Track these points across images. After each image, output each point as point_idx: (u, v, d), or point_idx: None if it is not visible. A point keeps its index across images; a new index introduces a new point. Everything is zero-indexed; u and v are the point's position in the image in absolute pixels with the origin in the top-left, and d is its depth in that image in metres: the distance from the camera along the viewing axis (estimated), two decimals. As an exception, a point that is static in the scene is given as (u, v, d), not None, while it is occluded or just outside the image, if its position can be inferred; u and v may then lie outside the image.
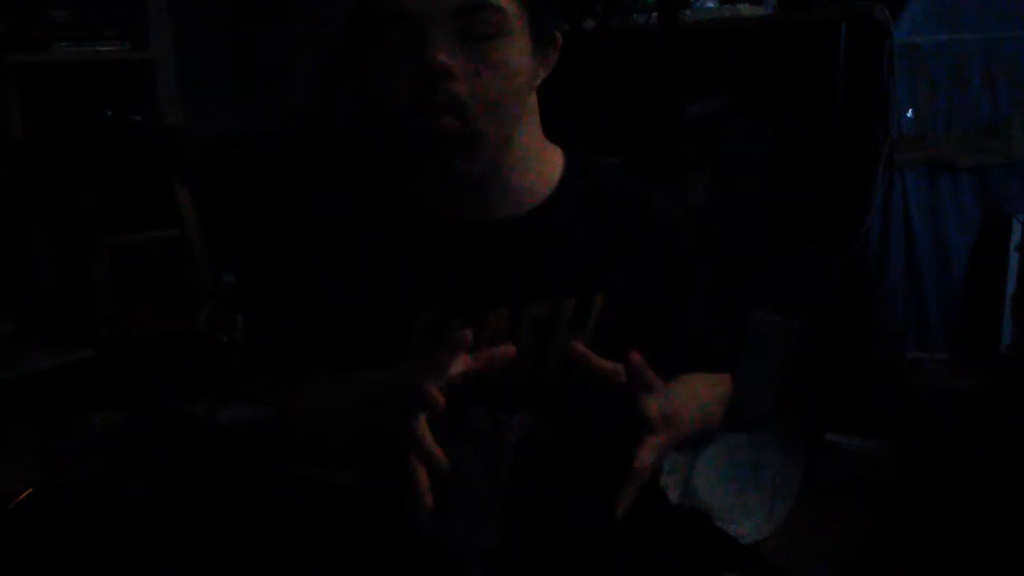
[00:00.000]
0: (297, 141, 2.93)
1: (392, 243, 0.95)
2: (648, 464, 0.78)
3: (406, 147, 0.89)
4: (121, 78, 2.71)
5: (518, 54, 0.85)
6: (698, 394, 0.95)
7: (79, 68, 2.59)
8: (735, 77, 2.28)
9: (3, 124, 2.42)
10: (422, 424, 0.74)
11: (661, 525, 1.00)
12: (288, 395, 1.02)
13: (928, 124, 1.98)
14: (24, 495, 2.00)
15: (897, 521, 1.79)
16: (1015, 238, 1.97)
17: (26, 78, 2.44)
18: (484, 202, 0.93)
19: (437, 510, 0.78)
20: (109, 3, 2.65)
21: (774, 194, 2.23)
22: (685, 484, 1.99)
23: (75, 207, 2.51)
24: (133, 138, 2.54)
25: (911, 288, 2.02)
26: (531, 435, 0.87)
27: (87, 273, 2.53)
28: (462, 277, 0.93)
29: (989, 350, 1.99)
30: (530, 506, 0.89)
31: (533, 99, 0.93)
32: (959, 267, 2.03)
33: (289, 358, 1.03)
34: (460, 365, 0.76)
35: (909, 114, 1.95)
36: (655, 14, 2.26)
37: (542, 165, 0.96)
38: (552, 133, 0.98)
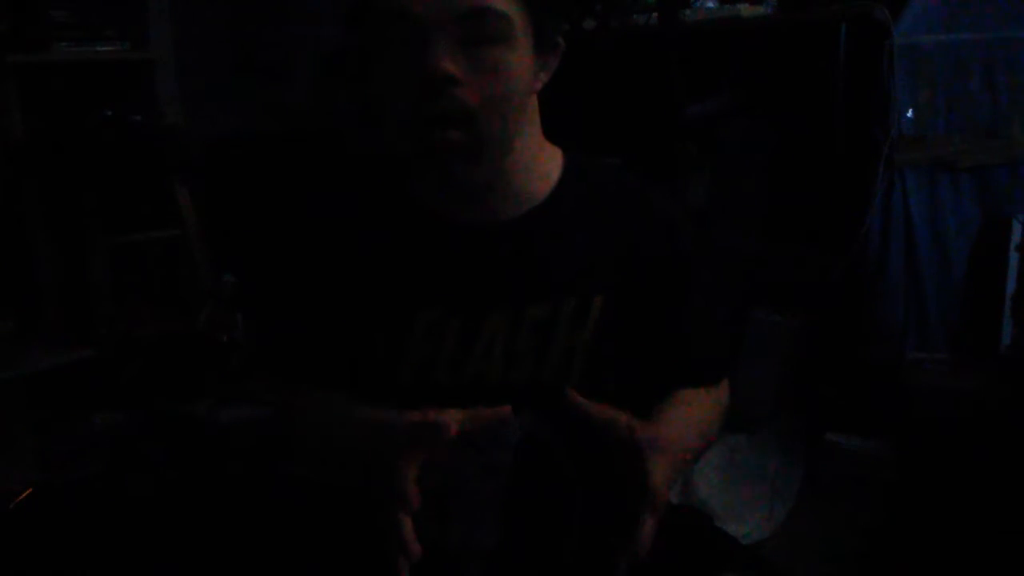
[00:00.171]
0: (297, 141, 2.93)
1: (392, 244, 0.95)
2: (649, 539, 0.79)
3: (408, 152, 0.89)
4: (121, 78, 2.71)
5: (520, 60, 0.85)
6: (697, 420, 0.95)
7: (79, 68, 2.59)
8: (735, 77, 2.28)
9: (3, 124, 2.42)
10: (403, 522, 0.76)
11: (661, 525, 1.00)
12: (287, 404, 1.03)
13: (928, 124, 1.98)
14: (24, 495, 2.00)
15: (897, 521, 1.79)
16: (1015, 238, 1.97)
17: (26, 78, 2.44)
18: (484, 204, 0.93)
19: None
20: (109, 3, 2.65)
21: (774, 194, 2.23)
22: (685, 484, 1.99)
23: (75, 207, 2.51)
24: (133, 138, 2.54)
25: (911, 288, 2.02)
26: (530, 436, 0.87)
27: (87, 273, 2.53)
28: (462, 278, 0.93)
29: (989, 350, 1.99)
30: (530, 506, 0.89)
31: (534, 102, 0.93)
32: (959, 267, 2.03)
33: (289, 359, 1.03)
34: (445, 438, 0.77)
35: (909, 114, 1.95)
36: (655, 14, 2.26)
37: (542, 167, 0.96)
38: (552, 134, 0.98)
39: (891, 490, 1.87)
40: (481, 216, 0.94)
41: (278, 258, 1.05)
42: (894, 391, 1.94)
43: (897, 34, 1.90)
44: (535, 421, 0.88)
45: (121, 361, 2.53)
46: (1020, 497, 1.64)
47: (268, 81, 3.10)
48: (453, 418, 0.78)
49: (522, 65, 0.86)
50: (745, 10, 2.17)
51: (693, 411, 0.95)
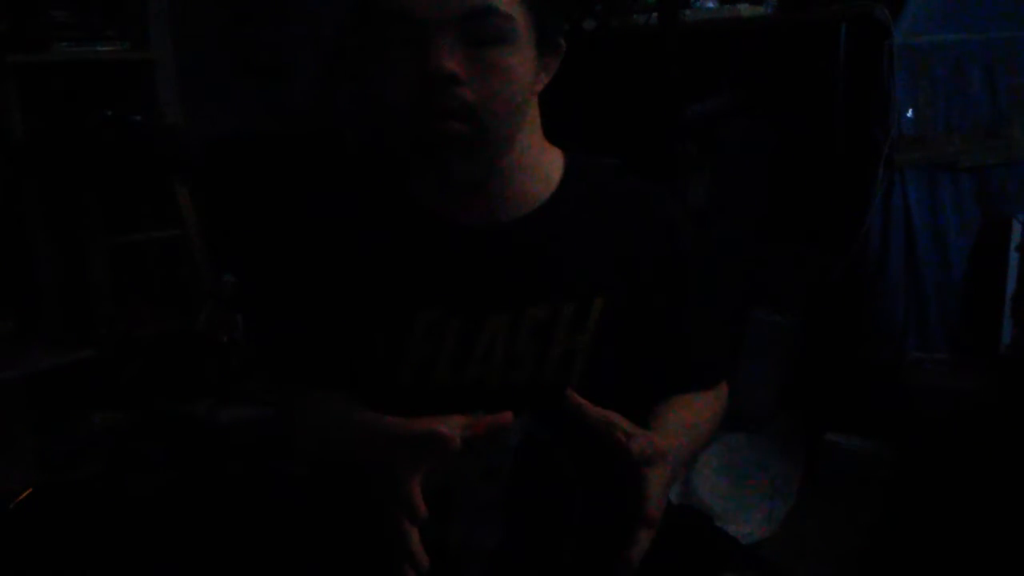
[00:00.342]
0: (297, 141, 2.93)
1: (392, 244, 0.95)
2: (642, 553, 0.79)
3: (408, 149, 0.89)
4: (121, 78, 2.71)
5: (522, 60, 0.85)
6: (694, 425, 0.95)
7: (79, 68, 2.59)
8: (735, 77, 2.28)
9: (3, 124, 2.41)
10: (410, 532, 0.77)
11: (661, 525, 0.99)
12: (287, 404, 1.03)
13: (928, 124, 1.98)
14: (24, 495, 2.00)
15: (897, 521, 1.79)
16: (1015, 238, 1.97)
17: (26, 78, 2.44)
18: (484, 205, 0.93)
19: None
20: (109, 3, 2.65)
21: (774, 194, 2.23)
22: (685, 484, 1.99)
23: (75, 207, 2.50)
24: (133, 138, 2.54)
25: (911, 288, 2.02)
26: (531, 437, 0.87)
27: (87, 273, 2.53)
28: (462, 279, 0.93)
29: (989, 350, 1.99)
30: (530, 507, 0.89)
31: (534, 103, 0.93)
32: (959, 267, 2.03)
33: (289, 359, 1.03)
34: (449, 451, 0.78)
35: (909, 114, 1.96)
36: (655, 14, 2.26)
37: (542, 168, 0.96)
38: (552, 134, 0.98)
39: (891, 490, 1.87)
40: (481, 217, 0.94)
41: (278, 258, 1.05)
42: (894, 391, 1.94)
43: (897, 34, 1.91)
44: (535, 423, 0.87)
45: (121, 361, 2.53)
46: (1020, 497, 1.64)
47: (268, 81, 3.10)
48: (455, 426, 0.78)
49: (523, 66, 0.86)
50: (745, 10, 2.17)
51: (691, 416, 0.95)
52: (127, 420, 2.43)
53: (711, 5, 2.24)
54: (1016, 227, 1.97)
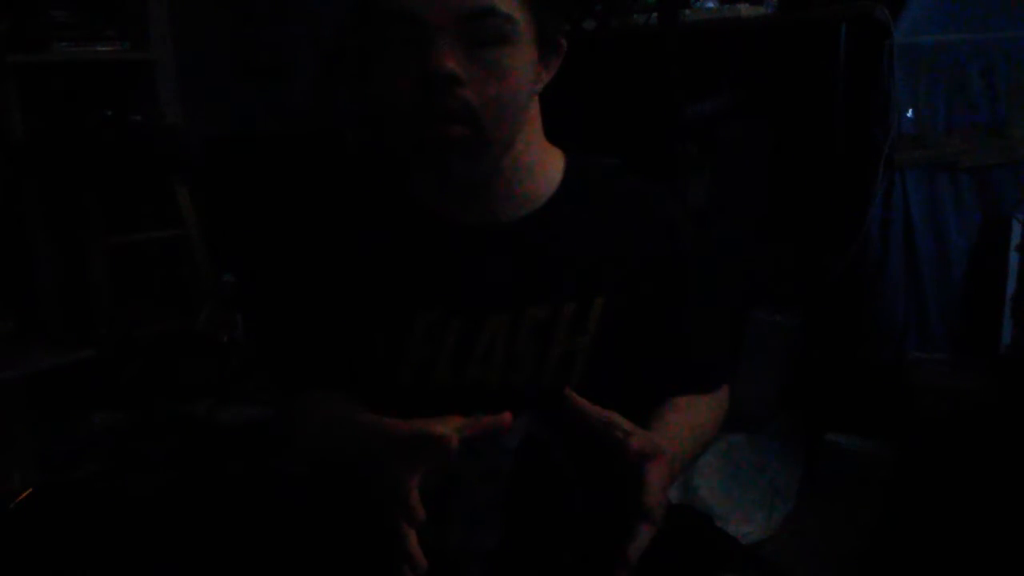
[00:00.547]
0: (297, 141, 2.93)
1: (392, 244, 0.95)
2: (641, 550, 0.79)
3: (408, 150, 0.89)
4: (121, 78, 2.71)
5: (523, 61, 0.85)
6: (693, 427, 0.95)
7: (79, 68, 2.59)
8: (735, 77, 2.28)
9: (3, 124, 2.41)
10: (408, 533, 0.77)
11: (661, 525, 0.99)
12: (287, 404, 1.03)
13: (928, 124, 1.98)
14: (24, 495, 2.00)
15: (897, 521, 1.79)
16: (1015, 238, 1.97)
17: (26, 78, 2.44)
18: (485, 205, 0.93)
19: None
20: (109, 3, 2.65)
21: (774, 194, 2.23)
22: (685, 484, 1.99)
23: (75, 207, 2.50)
24: (133, 138, 2.54)
25: (911, 288, 2.02)
26: (531, 438, 0.87)
27: (87, 273, 2.52)
28: (462, 279, 0.93)
29: (989, 350, 1.99)
30: (530, 508, 0.89)
31: (535, 103, 0.93)
32: (959, 267, 2.03)
33: (289, 359, 1.03)
34: (448, 452, 0.78)
35: (909, 114, 1.96)
36: (655, 14, 2.26)
37: (543, 168, 0.96)
38: (552, 134, 0.98)
39: (891, 490, 1.87)
40: (482, 217, 0.94)
41: (278, 258, 1.05)
42: (894, 391, 1.94)
43: (897, 34, 1.91)
44: (535, 423, 0.87)
45: (121, 361, 2.53)
46: (1020, 497, 1.64)
47: (268, 81, 3.10)
48: (454, 427, 0.78)
49: (524, 66, 0.86)
50: (745, 10, 2.17)
51: (692, 419, 0.95)
52: (127, 420, 2.43)
53: (711, 5, 2.24)
54: (1016, 227, 1.97)
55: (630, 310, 0.93)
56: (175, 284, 2.78)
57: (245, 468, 2.14)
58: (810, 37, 2.06)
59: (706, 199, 2.32)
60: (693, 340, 0.99)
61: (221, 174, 2.85)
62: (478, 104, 0.83)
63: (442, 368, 0.91)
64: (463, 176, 0.88)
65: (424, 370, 0.91)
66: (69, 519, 1.98)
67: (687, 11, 2.24)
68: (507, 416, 0.80)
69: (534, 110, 0.94)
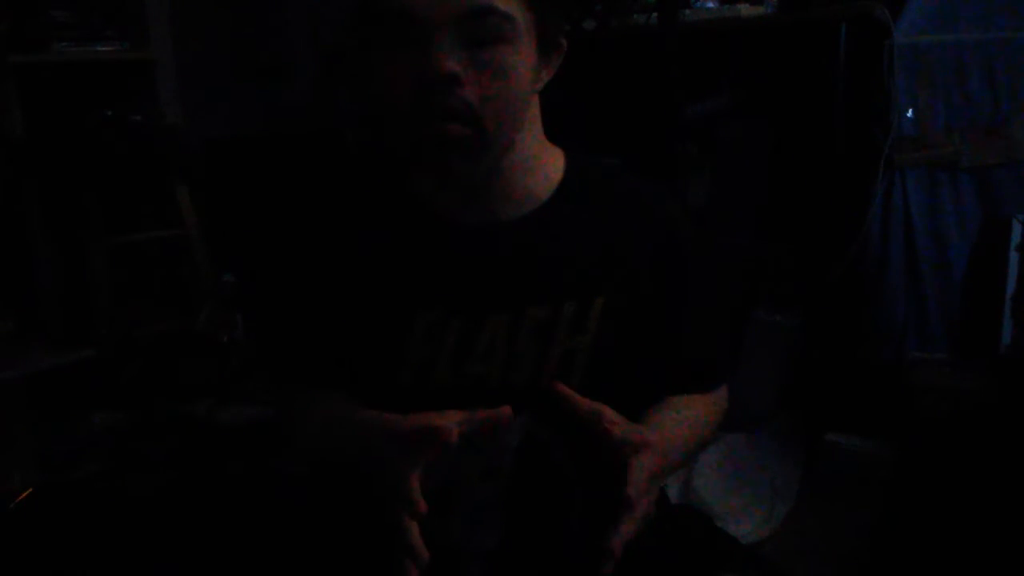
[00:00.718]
0: (297, 141, 2.93)
1: (392, 244, 0.95)
2: (624, 542, 0.79)
3: (408, 150, 0.89)
4: (121, 78, 2.71)
5: (523, 60, 0.85)
6: (688, 425, 0.95)
7: (79, 68, 2.59)
8: (735, 77, 2.28)
9: (3, 124, 2.41)
10: (410, 526, 0.77)
11: (661, 525, 0.99)
12: (287, 404, 1.03)
13: (928, 124, 1.97)
14: (24, 495, 2.00)
15: (897, 521, 1.79)
16: (1015, 238, 1.97)
17: (26, 78, 2.44)
18: (485, 204, 0.93)
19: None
20: (109, 3, 2.65)
21: (774, 194, 2.23)
22: (685, 484, 1.99)
23: (75, 207, 2.50)
24: (133, 138, 2.54)
25: (911, 288, 2.02)
26: (531, 437, 0.87)
27: (87, 273, 2.53)
28: (462, 279, 0.93)
29: (989, 350, 1.99)
30: (530, 507, 0.89)
31: (535, 102, 0.93)
32: (959, 267, 2.03)
33: (289, 359, 1.03)
34: (448, 444, 0.78)
35: (909, 114, 1.95)
36: (655, 14, 2.26)
37: (543, 167, 0.96)
38: (552, 133, 0.98)
39: (891, 490, 1.87)
40: (482, 216, 0.94)
41: (278, 258, 1.05)
42: (894, 391, 1.94)
43: (897, 34, 1.90)
44: (535, 423, 0.87)
45: (121, 361, 2.53)
46: (1020, 497, 1.64)
47: (268, 81, 3.10)
48: (454, 421, 0.78)
49: (524, 65, 0.86)
50: (745, 10, 2.17)
51: (684, 414, 0.95)
52: (127, 420, 2.43)
53: (711, 5, 2.24)
54: (1016, 227, 1.97)
55: (630, 310, 0.93)
56: (175, 284, 2.78)
57: (245, 468, 2.14)
58: (810, 37, 2.06)
59: (706, 199, 2.32)
60: (692, 340, 0.99)
61: (221, 174, 2.85)
62: (478, 103, 0.83)
63: (442, 368, 0.91)
64: (463, 176, 0.88)
65: (424, 370, 0.91)
66: (69, 519, 1.98)
67: (687, 11, 2.24)
68: (506, 410, 0.80)
69: (534, 109, 0.94)
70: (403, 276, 0.94)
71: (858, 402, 2.00)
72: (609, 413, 0.82)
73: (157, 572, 1.78)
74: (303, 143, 2.91)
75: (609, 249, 0.94)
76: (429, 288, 0.93)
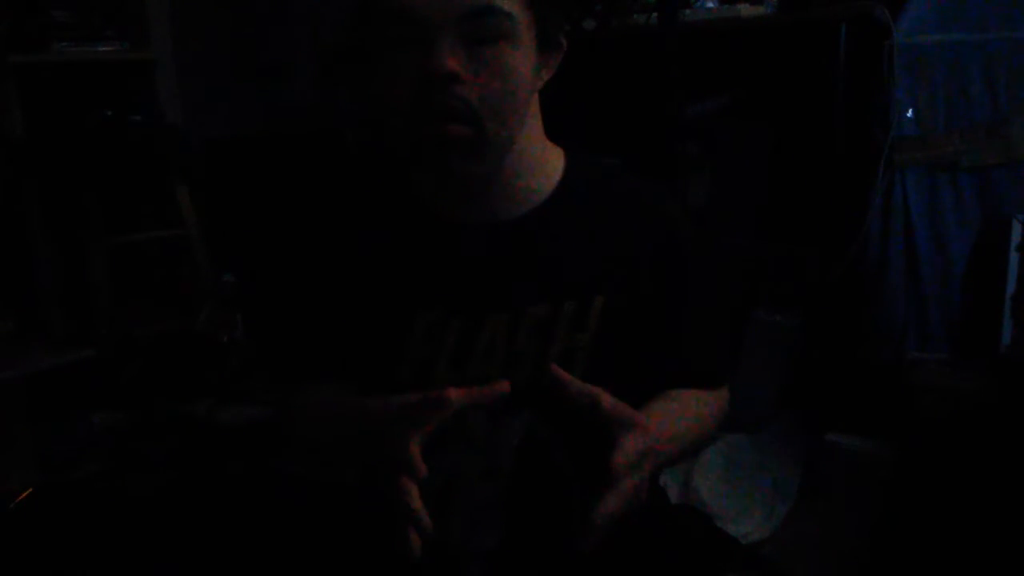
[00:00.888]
0: (297, 141, 2.93)
1: (392, 244, 0.95)
2: (608, 516, 0.78)
3: (409, 149, 0.89)
4: (121, 78, 2.71)
5: (523, 59, 0.85)
6: (685, 415, 0.95)
7: (79, 68, 2.59)
8: (735, 77, 2.28)
9: (3, 124, 2.41)
10: (409, 489, 0.76)
11: (661, 525, 0.99)
12: (287, 401, 1.03)
13: (928, 124, 1.97)
14: (24, 495, 2.00)
15: (897, 521, 1.79)
16: (1015, 238, 1.97)
17: (26, 78, 2.44)
18: (485, 203, 0.93)
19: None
20: (109, 3, 2.65)
21: (774, 194, 2.23)
22: (685, 484, 1.99)
23: (75, 207, 2.51)
24: (133, 138, 2.54)
25: (911, 288, 2.01)
26: (531, 437, 0.87)
27: (87, 273, 2.53)
28: (462, 278, 0.93)
29: (989, 350, 1.99)
30: (530, 507, 0.89)
31: (535, 101, 0.93)
32: (959, 267, 2.03)
33: (289, 359, 1.03)
34: (447, 412, 0.78)
35: (909, 114, 1.95)
36: (655, 14, 2.26)
37: (543, 166, 0.96)
38: (552, 133, 0.98)
39: (891, 490, 1.87)
40: (482, 216, 0.94)
41: (278, 258, 1.05)
42: (894, 391, 1.94)
43: (897, 34, 1.90)
44: (535, 422, 0.87)
45: (121, 361, 2.53)
46: (1020, 497, 1.64)
47: (268, 81, 3.10)
48: (452, 394, 0.78)
49: (525, 64, 0.86)
50: (745, 10, 2.17)
51: (681, 404, 0.95)
52: (127, 420, 2.43)
53: (711, 5, 2.24)
54: (1016, 227, 1.97)
55: (630, 309, 0.93)
56: (175, 284, 2.78)
57: (245, 468, 2.14)
58: (810, 37, 2.06)
59: (706, 199, 2.32)
60: (692, 340, 0.99)
61: (221, 174, 2.85)
62: (478, 102, 0.83)
63: (442, 367, 0.91)
64: (463, 175, 0.88)
65: (424, 369, 0.91)
66: (69, 519, 1.98)
67: (687, 11, 2.24)
68: (504, 384, 0.80)
69: (534, 108, 0.94)
70: (403, 276, 0.94)
71: (858, 402, 2.00)
72: (607, 397, 0.81)
73: (157, 572, 1.78)
74: (303, 143, 2.91)
75: (609, 249, 0.94)
76: (429, 288, 0.93)
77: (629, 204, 0.98)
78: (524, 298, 0.91)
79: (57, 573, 1.79)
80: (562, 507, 0.90)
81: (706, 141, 2.33)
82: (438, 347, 0.91)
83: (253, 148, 2.91)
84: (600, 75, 2.32)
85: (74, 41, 2.52)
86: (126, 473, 2.24)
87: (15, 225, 2.50)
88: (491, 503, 0.87)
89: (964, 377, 1.88)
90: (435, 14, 0.80)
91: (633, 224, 0.96)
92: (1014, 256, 1.97)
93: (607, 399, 0.81)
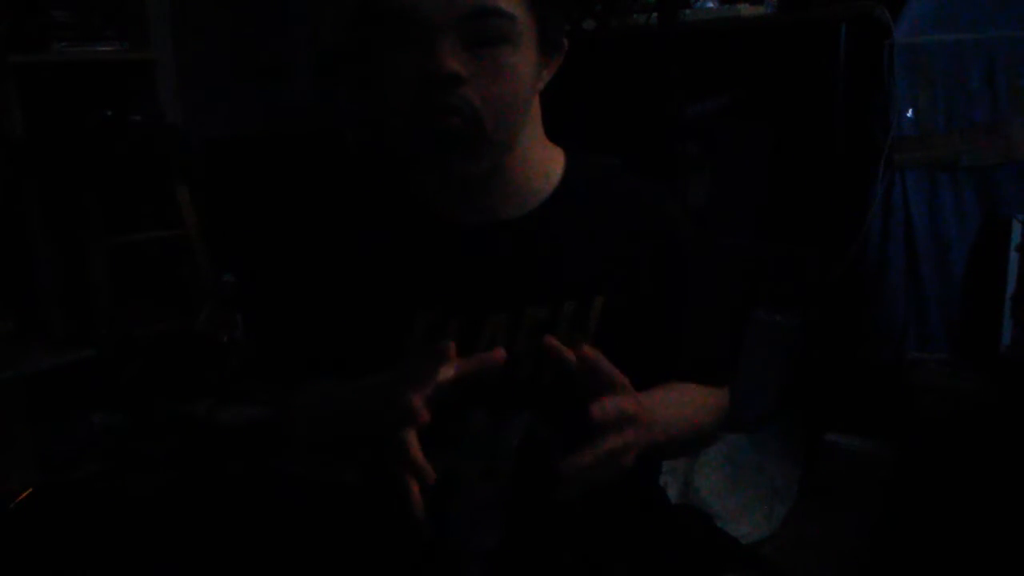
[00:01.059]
0: (297, 141, 2.93)
1: (392, 244, 0.95)
2: (579, 468, 0.76)
3: (409, 148, 0.89)
4: (121, 78, 2.71)
5: (524, 60, 0.85)
6: (683, 400, 0.95)
7: (79, 68, 2.59)
8: (735, 77, 2.28)
9: (3, 124, 2.41)
10: (410, 437, 0.74)
11: (661, 525, 0.99)
12: (286, 398, 1.03)
13: (928, 124, 1.98)
14: (24, 495, 2.00)
15: (897, 521, 1.79)
16: (1015, 238, 1.97)
17: (26, 78, 2.44)
18: (485, 203, 0.93)
19: (439, 512, 0.78)
20: (109, 3, 2.65)
21: (774, 194, 2.23)
22: (685, 484, 1.99)
23: (75, 207, 2.51)
24: (133, 138, 2.54)
25: (911, 288, 2.02)
26: (531, 437, 0.87)
27: (87, 273, 2.53)
28: (462, 278, 0.93)
29: (989, 350, 1.99)
30: (531, 507, 0.89)
31: (536, 102, 0.93)
32: (959, 267, 2.03)
33: (289, 358, 1.03)
34: (448, 372, 0.77)
35: (909, 114, 1.96)
36: (655, 14, 2.26)
37: (543, 166, 0.96)
38: (552, 133, 0.98)
39: (891, 490, 1.87)
40: (482, 216, 0.94)
41: (278, 258, 1.05)
42: (894, 391, 1.94)
43: (897, 34, 1.91)
44: (535, 422, 0.87)
45: (121, 361, 2.53)
46: (1020, 497, 1.64)
47: (268, 81, 3.10)
48: (453, 346, 0.77)
49: (526, 65, 0.86)
50: (745, 10, 2.17)
51: (679, 393, 0.95)
52: (127, 420, 2.44)
53: (711, 5, 2.24)
54: (1016, 227, 1.97)
55: (630, 309, 0.93)
56: (175, 284, 2.78)
57: (245, 468, 2.14)
58: (810, 37, 2.06)
59: (706, 199, 2.32)
60: (692, 339, 0.99)
61: (221, 174, 2.85)
62: (479, 103, 0.83)
63: (442, 368, 0.91)
64: (464, 175, 0.88)
65: (424, 369, 0.91)
66: (69, 519, 1.98)
67: (687, 11, 2.24)
68: (500, 351, 0.80)
69: (535, 109, 0.94)
70: (403, 276, 0.94)
71: (858, 402, 2.00)
72: (600, 360, 0.80)
73: (157, 572, 1.78)
74: (303, 143, 2.91)
75: (609, 249, 0.94)
76: (429, 288, 0.93)
77: (629, 204, 0.98)
78: (524, 298, 0.91)
79: (57, 573, 1.80)
80: (562, 507, 0.90)
81: (706, 141, 2.33)
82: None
83: (253, 148, 2.91)
84: (600, 75, 2.32)
85: (74, 41, 2.52)
86: (126, 473, 2.24)
87: (15, 225, 2.50)
88: (491, 503, 0.86)
89: (964, 377, 1.89)
90: (436, 15, 0.80)
91: (633, 224, 0.96)
92: (1014, 256, 1.97)
93: (605, 361, 0.80)
